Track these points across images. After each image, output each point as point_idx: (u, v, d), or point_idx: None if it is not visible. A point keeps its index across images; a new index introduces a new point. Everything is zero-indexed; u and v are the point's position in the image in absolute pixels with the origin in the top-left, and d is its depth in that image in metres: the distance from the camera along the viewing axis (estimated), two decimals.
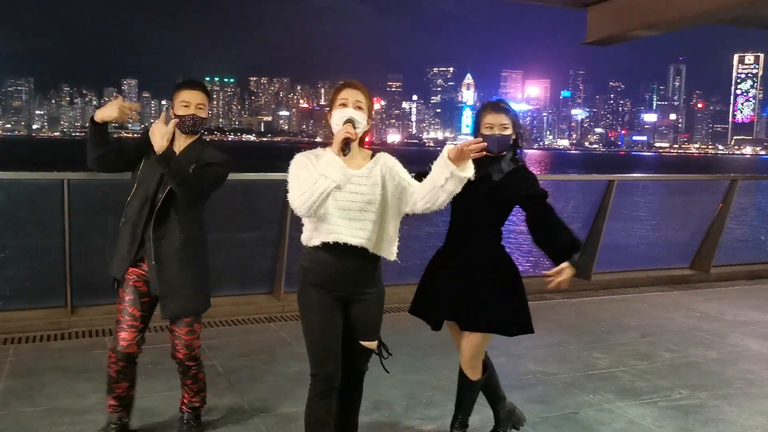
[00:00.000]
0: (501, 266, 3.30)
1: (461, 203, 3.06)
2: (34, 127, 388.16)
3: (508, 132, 3.21)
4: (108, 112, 3.19)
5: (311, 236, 2.79)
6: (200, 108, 3.28)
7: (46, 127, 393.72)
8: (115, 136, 3.41)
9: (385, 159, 2.87)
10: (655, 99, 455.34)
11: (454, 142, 2.85)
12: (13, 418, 3.66)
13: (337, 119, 2.76)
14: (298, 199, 2.62)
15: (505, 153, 3.24)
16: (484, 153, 2.67)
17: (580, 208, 7.90)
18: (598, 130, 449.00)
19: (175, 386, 3.67)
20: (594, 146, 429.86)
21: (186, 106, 3.25)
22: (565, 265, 3.10)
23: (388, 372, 3.00)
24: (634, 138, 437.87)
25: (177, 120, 3.22)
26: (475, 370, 3.38)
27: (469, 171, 2.67)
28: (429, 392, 4.26)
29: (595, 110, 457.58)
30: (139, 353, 3.36)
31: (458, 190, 2.69)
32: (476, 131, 3.27)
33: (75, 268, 5.38)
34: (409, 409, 4.00)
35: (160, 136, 3.12)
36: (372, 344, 2.91)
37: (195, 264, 3.33)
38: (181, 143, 3.31)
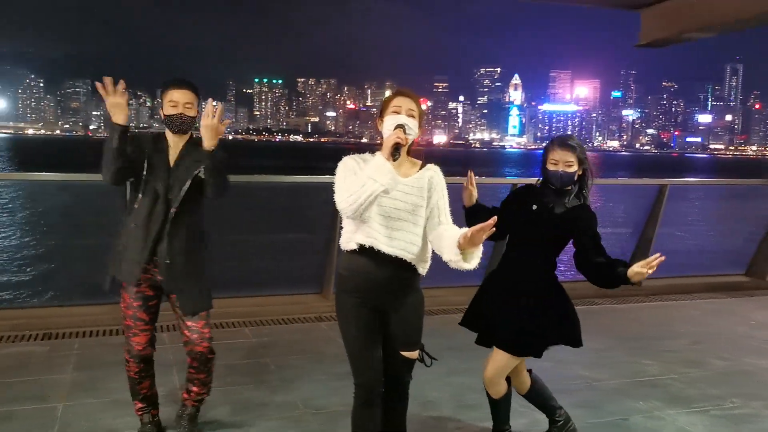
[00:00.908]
0: (550, 295, 3.34)
1: (520, 230, 3.18)
2: (91, 127, 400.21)
3: (573, 169, 3.24)
4: (125, 111, 3.07)
5: (350, 239, 2.80)
6: (188, 107, 3.24)
7: (103, 127, 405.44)
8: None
9: (434, 173, 2.86)
10: (710, 99, 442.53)
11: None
12: (80, 409, 3.86)
13: (388, 125, 2.77)
14: (345, 200, 2.63)
15: (570, 188, 3.28)
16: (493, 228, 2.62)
17: (631, 212, 7.83)
18: (650, 131, 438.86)
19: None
20: (645, 148, 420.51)
21: (174, 106, 3.22)
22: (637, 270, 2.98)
23: (428, 365, 2.98)
24: (688, 139, 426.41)
25: (230, 121, 3.25)
26: (497, 388, 3.44)
27: (473, 262, 2.67)
28: (475, 395, 4.30)
29: (646, 111, 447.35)
30: (154, 352, 3.46)
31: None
32: (543, 166, 3.32)
33: None
34: (457, 411, 4.06)
35: (215, 133, 3.09)
36: (413, 354, 2.90)
37: (205, 260, 3.39)
38: (176, 143, 3.30)
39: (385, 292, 2.79)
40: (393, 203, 2.73)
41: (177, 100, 3.23)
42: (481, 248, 2.67)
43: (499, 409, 3.55)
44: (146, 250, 3.21)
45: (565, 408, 3.70)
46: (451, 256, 2.66)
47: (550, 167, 3.25)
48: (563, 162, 3.22)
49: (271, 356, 4.93)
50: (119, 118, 3.05)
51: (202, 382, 3.53)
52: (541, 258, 3.33)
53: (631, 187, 9.08)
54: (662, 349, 5.42)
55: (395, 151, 2.63)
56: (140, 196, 3.23)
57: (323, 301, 6.30)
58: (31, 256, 6.52)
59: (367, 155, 2.86)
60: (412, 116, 2.81)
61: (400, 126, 2.73)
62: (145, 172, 3.23)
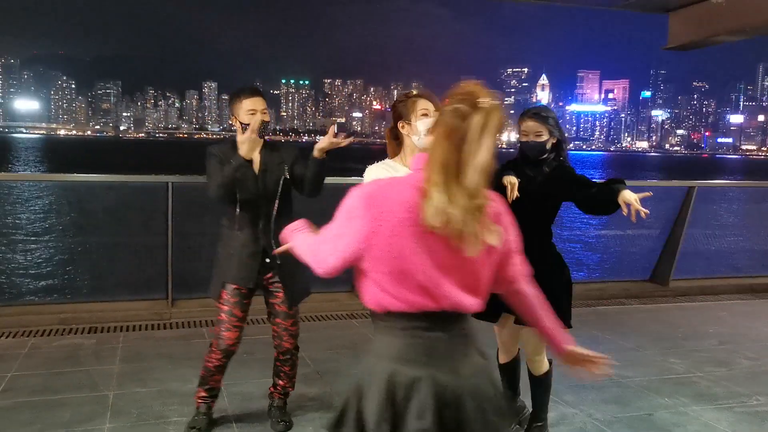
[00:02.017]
0: (552, 264, 3.47)
1: (513, 209, 3.31)
2: (121, 128, 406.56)
3: (542, 139, 3.39)
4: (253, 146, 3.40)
5: None
6: (264, 113, 3.47)
7: (132, 128, 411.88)
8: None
9: None
10: (742, 99, 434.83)
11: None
12: (130, 398, 4.09)
13: (422, 128, 2.77)
14: None
15: (545, 156, 3.44)
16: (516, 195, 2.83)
17: (659, 213, 7.88)
18: (680, 131, 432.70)
19: (267, 375, 4.00)
20: (675, 148, 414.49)
21: (254, 114, 3.42)
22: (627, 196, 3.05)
23: None
24: (719, 140, 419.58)
25: (353, 138, 3.47)
26: (540, 363, 3.55)
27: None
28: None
29: (676, 111, 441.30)
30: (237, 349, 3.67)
31: None
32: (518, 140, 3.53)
33: (175, 264, 5.85)
34: None
35: (331, 147, 3.38)
36: None
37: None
38: (255, 148, 3.46)
39: None
40: None
41: (256, 108, 3.44)
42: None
43: (541, 388, 3.59)
44: (258, 253, 3.49)
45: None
46: None
47: (522, 138, 3.44)
48: (533, 133, 3.39)
49: (307, 351, 5.11)
50: (246, 152, 3.37)
51: (288, 376, 3.80)
52: (537, 229, 3.43)
53: (660, 188, 9.10)
54: (690, 348, 5.50)
55: None
56: (237, 204, 3.46)
57: (355, 299, 6.48)
58: (77, 254, 6.80)
59: (389, 161, 2.93)
60: None
61: None
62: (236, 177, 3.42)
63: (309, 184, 3.50)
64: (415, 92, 2.96)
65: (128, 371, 4.56)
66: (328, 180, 6.58)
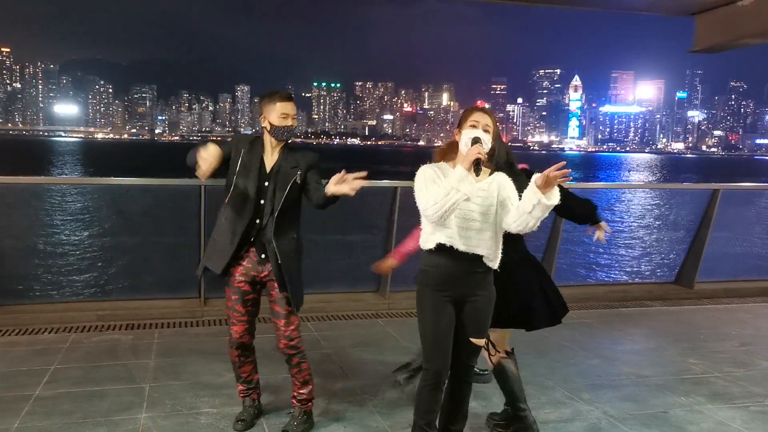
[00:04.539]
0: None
1: None
2: (156, 131, 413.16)
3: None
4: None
5: (428, 239, 3.14)
6: (294, 118, 3.59)
7: (167, 131, 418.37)
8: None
9: (502, 178, 3.17)
10: None
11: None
12: (165, 390, 4.33)
13: (466, 138, 3.09)
14: (431, 207, 2.95)
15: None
16: (570, 178, 2.92)
17: (685, 216, 7.90)
18: (717, 132, 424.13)
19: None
20: (712, 150, 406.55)
21: (285, 117, 3.53)
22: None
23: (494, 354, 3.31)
24: (758, 141, 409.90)
25: (360, 189, 3.39)
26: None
27: (555, 198, 2.90)
28: (524, 387, 4.57)
29: (713, 112, 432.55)
30: (253, 340, 3.81)
31: (545, 215, 2.94)
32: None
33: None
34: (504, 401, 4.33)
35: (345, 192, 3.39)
36: (480, 341, 3.24)
37: (301, 260, 3.75)
38: (273, 149, 3.61)
39: (462, 285, 3.12)
40: (467, 205, 3.05)
41: (288, 113, 3.56)
42: (557, 188, 2.90)
43: (499, 378, 3.87)
44: (234, 243, 3.57)
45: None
46: (533, 201, 2.87)
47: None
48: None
49: (333, 348, 5.32)
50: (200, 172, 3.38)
51: (298, 382, 3.79)
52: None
53: (685, 191, 9.09)
54: (710, 349, 5.56)
55: (476, 166, 2.92)
56: (230, 192, 3.57)
57: (380, 299, 6.65)
58: (115, 254, 7.11)
59: (442, 164, 3.19)
60: (488, 131, 3.12)
61: (476, 140, 3.04)
62: (237, 171, 3.56)
63: (317, 202, 3.56)
64: (475, 104, 3.28)
65: (163, 365, 4.80)
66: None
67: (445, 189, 2.90)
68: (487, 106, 3.29)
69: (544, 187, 2.86)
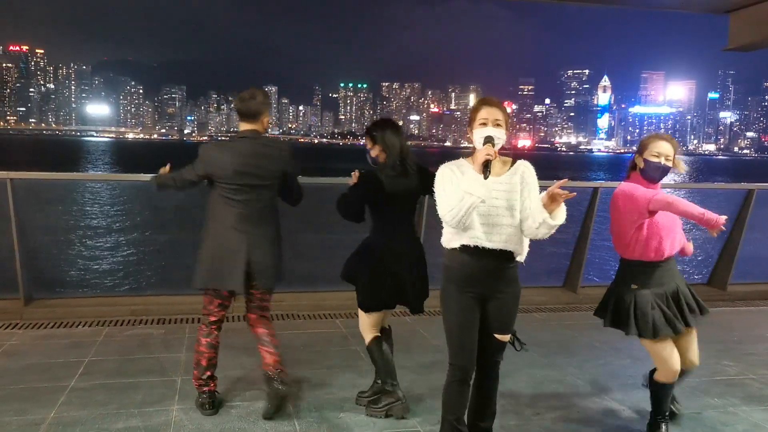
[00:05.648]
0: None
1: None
2: (185, 131, 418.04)
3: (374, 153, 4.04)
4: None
5: (451, 239, 3.10)
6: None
7: (196, 131, 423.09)
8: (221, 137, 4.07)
9: (525, 168, 3.09)
10: None
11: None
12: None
13: (477, 138, 3.03)
14: (448, 213, 2.93)
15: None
16: (574, 194, 2.91)
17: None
18: (750, 134, 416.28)
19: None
20: (744, 151, 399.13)
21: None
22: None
23: (518, 350, 3.31)
24: None
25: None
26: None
27: (560, 218, 2.90)
28: (554, 385, 4.55)
29: (746, 113, 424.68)
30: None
31: (552, 232, 2.94)
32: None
33: None
34: (534, 399, 4.31)
35: None
36: (505, 338, 3.22)
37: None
38: None
39: (487, 281, 3.08)
40: (491, 202, 2.98)
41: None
42: (564, 206, 2.91)
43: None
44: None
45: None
46: (538, 219, 2.90)
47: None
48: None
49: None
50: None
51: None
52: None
53: (719, 192, 8.95)
54: (744, 352, 5.46)
55: (486, 168, 2.89)
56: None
57: None
58: (147, 251, 7.22)
59: (462, 161, 3.13)
60: (498, 125, 3.05)
61: (489, 139, 2.98)
62: None
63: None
64: (478, 99, 3.22)
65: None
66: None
67: (459, 194, 2.87)
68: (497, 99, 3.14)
69: (550, 204, 2.86)
